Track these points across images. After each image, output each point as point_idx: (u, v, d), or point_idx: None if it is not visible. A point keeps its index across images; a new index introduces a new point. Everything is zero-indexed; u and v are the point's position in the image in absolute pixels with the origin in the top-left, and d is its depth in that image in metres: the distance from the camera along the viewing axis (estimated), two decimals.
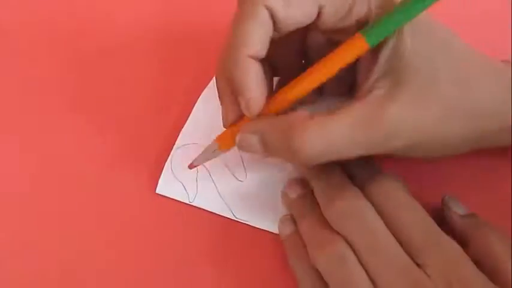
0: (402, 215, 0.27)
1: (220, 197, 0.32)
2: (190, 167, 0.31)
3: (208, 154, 0.30)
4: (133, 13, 0.39)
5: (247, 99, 0.26)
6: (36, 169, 0.34)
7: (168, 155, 0.33)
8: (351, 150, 0.26)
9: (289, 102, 0.27)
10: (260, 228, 0.31)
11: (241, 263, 0.31)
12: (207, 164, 0.32)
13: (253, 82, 0.26)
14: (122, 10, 0.39)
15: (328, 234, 0.27)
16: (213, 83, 0.33)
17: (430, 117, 0.25)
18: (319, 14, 0.26)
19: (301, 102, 0.27)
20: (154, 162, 0.33)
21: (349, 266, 0.26)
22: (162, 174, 0.33)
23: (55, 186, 0.34)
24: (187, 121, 0.34)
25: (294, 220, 0.30)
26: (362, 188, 0.28)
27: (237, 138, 0.28)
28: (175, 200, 0.32)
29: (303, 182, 0.31)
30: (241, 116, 0.28)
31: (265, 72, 0.28)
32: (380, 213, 0.27)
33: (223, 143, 0.30)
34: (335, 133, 0.25)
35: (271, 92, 0.28)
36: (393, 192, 0.28)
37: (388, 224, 0.26)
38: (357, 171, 0.30)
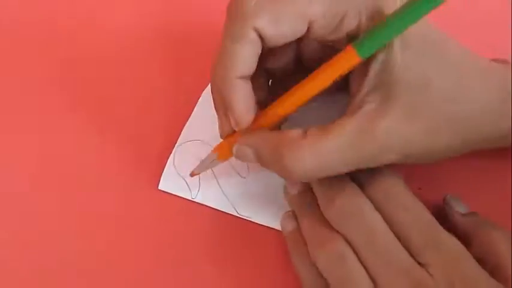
0: (402, 214, 0.26)
1: (223, 193, 0.32)
2: (192, 175, 0.32)
3: (207, 163, 0.31)
4: (134, 13, 0.39)
5: (236, 116, 0.27)
6: (37, 166, 0.34)
7: (171, 152, 0.33)
8: (343, 167, 0.26)
9: (281, 117, 0.28)
10: (263, 225, 0.31)
11: (244, 259, 0.31)
12: None
13: (241, 100, 0.27)
14: (123, 10, 0.39)
15: (327, 233, 0.27)
16: None
17: (419, 130, 0.25)
18: (309, 28, 0.26)
19: None
20: (157, 159, 0.33)
21: (348, 264, 0.26)
22: (164, 170, 0.33)
23: (57, 183, 0.34)
24: (190, 118, 0.34)
25: (296, 216, 0.30)
26: (361, 186, 0.28)
27: (234, 149, 0.29)
28: (178, 196, 0.32)
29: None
30: None
31: (260, 80, 0.29)
32: (380, 211, 0.27)
33: (221, 153, 0.30)
34: (327, 153, 0.25)
35: (267, 100, 0.29)
36: (393, 189, 0.27)
37: (388, 223, 0.26)
38: None
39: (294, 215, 0.30)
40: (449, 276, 0.24)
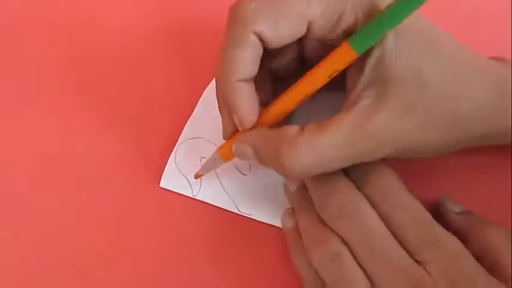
0: (399, 212, 0.26)
1: (224, 191, 0.32)
2: (196, 177, 0.32)
3: (210, 164, 0.31)
4: (135, 12, 0.39)
5: (239, 117, 0.27)
6: (38, 164, 0.34)
7: (172, 150, 0.33)
8: (339, 163, 0.26)
9: (281, 115, 0.28)
10: (264, 222, 0.31)
11: (245, 257, 0.31)
12: None
13: (244, 102, 0.27)
14: (124, 9, 0.39)
15: (323, 232, 0.27)
16: None
17: (415, 125, 0.26)
18: (308, 28, 0.26)
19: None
20: (158, 157, 0.33)
21: (344, 264, 0.26)
22: (165, 168, 0.33)
23: (57, 181, 0.33)
24: (191, 115, 0.34)
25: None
26: (358, 184, 0.28)
27: (233, 148, 0.29)
28: (179, 193, 0.32)
29: None
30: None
31: (264, 81, 0.30)
32: (376, 209, 0.27)
33: (223, 154, 0.30)
34: (324, 149, 0.25)
35: (272, 100, 0.29)
36: (389, 187, 0.27)
37: (385, 221, 0.26)
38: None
39: (293, 212, 0.30)
40: (448, 274, 0.24)
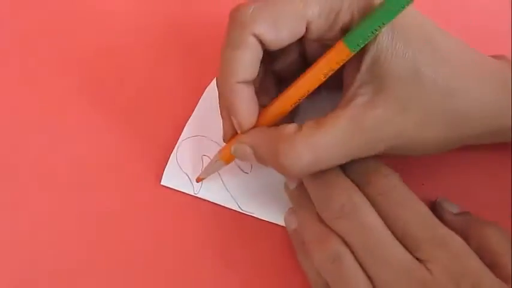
0: (400, 210, 0.26)
1: (226, 188, 0.32)
2: (198, 180, 0.32)
3: (211, 167, 0.31)
4: (140, 8, 0.39)
5: (238, 119, 0.28)
6: (38, 162, 0.34)
7: (173, 147, 0.33)
8: (338, 159, 0.26)
9: (279, 115, 0.28)
10: (265, 220, 0.31)
11: (247, 255, 0.31)
12: (212, 155, 0.32)
13: (243, 104, 0.28)
14: (130, 5, 0.39)
15: (322, 232, 0.27)
16: None
17: (410, 122, 0.26)
18: (307, 29, 0.26)
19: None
20: (160, 155, 0.33)
21: (344, 265, 0.25)
22: (167, 165, 0.33)
23: (58, 179, 0.33)
24: (193, 114, 0.34)
25: None
26: (357, 183, 0.28)
27: (232, 149, 0.29)
28: (180, 191, 0.32)
29: None
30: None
31: (268, 82, 0.30)
32: (376, 208, 0.26)
33: (224, 156, 0.30)
34: (321, 146, 0.26)
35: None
36: (390, 186, 0.27)
37: (385, 220, 0.26)
38: (349, 163, 0.29)
39: None
40: (452, 272, 0.24)
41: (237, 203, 0.32)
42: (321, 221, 0.27)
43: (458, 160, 0.32)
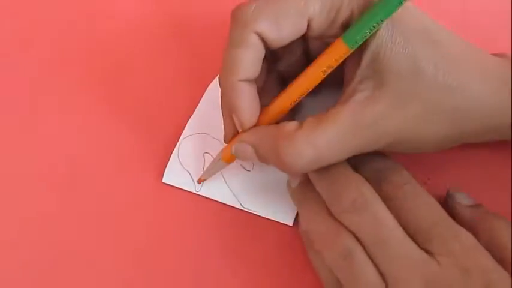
0: (414, 205, 0.26)
1: (227, 186, 0.32)
2: (199, 181, 0.32)
3: (213, 168, 0.31)
4: (146, 3, 0.39)
5: (239, 117, 0.28)
6: (38, 160, 0.34)
7: (175, 145, 0.33)
8: (339, 155, 0.26)
9: (280, 113, 0.28)
10: (267, 218, 0.31)
11: (248, 253, 0.31)
12: (214, 152, 0.32)
13: (245, 102, 0.28)
14: (128, 4, 0.39)
15: (332, 229, 0.27)
16: None
17: (410, 117, 0.26)
18: (308, 26, 0.26)
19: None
20: (161, 152, 0.33)
21: (356, 261, 0.25)
22: (168, 163, 0.33)
23: (59, 177, 0.33)
24: (195, 111, 0.34)
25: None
26: (371, 179, 0.28)
27: (233, 148, 0.29)
28: (182, 189, 0.32)
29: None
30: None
31: (272, 82, 0.30)
32: (387, 203, 0.26)
33: (225, 157, 0.30)
34: (322, 142, 0.26)
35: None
36: (400, 180, 0.27)
37: (395, 214, 0.26)
38: (360, 160, 0.29)
39: None
40: (463, 264, 0.24)
41: (238, 201, 0.32)
42: (329, 218, 0.27)
43: (458, 158, 0.32)
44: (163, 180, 0.32)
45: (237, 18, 0.27)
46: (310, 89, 0.27)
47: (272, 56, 0.30)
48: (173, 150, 0.33)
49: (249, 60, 0.27)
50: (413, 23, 0.26)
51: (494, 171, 0.32)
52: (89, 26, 0.38)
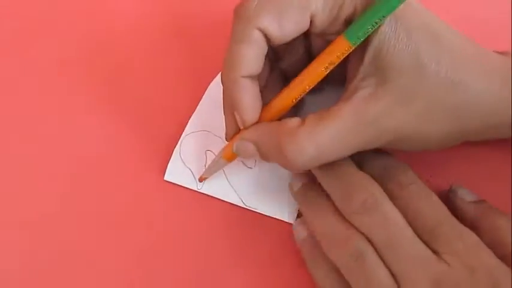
0: (420, 204, 0.26)
1: (229, 184, 0.32)
2: (200, 180, 0.32)
3: (215, 166, 0.31)
4: (141, 4, 0.39)
5: (241, 113, 0.28)
6: (39, 158, 0.34)
7: (177, 143, 0.33)
8: (341, 152, 0.26)
9: (281, 111, 0.28)
10: (269, 216, 0.31)
11: (250, 250, 0.31)
12: (215, 150, 0.32)
13: (247, 99, 0.27)
14: (128, 4, 0.39)
15: (342, 231, 0.27)
16: None
17: (413, 114, 0.26)
18: (311, 22, 0.26)
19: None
20: (163, 150, 0.33)
21: (367, 262, 0.25)
22: (170, 161, 0.32)
23: (59, 174, 0.33)
24: (197, 108, 0.34)
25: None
26: (377, 178, 0.28)
27: (234, 146, 0.29)
28: (184, 187, 0.32)
29: (306, 173, 0.31)
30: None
31: (275, 79, 0.30)
32: (397, 202, 0.27)
33: (226, 155, 0.30)
34: (324, 139, 0.26)
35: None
36: (406, 179, 0.28)
37: (405, 214, 0.26)
38: (366, 159, 0.29)
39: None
40: (469, 263, 0.24)
41: (240, 198, 0.32)
42: (338, 220, 0.27)
43: (457, 154, 0.32)
44: (165, 178, 0.32)
45: (239, 14, 0.27)
46: (313, 86, 0.27)
47: (274, 53, 0.30)
48: (175, 147, 0.33)
49: (252, 56, 0.27)
50: (416, 19, 0.26)
51: (495, 169, 0.32)
52: (89, 26, 0.38)
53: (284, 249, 0.31)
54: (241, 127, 0.29)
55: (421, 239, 0.26)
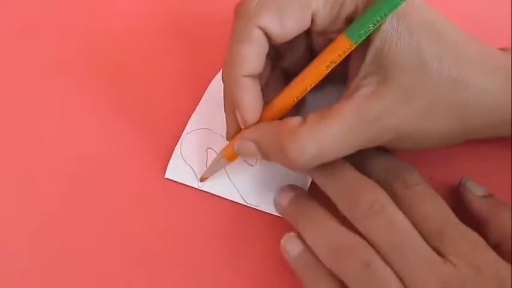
0: (425, 205, 0.26)
1: (230, 181, 0.32)
2: (201, 180, 0.32)
3: (216, 166, 0.31)
4: (140, 5, 0.39)
5: (242, 112, 0.28)
6: (39, 156, 0.34)
7: (178, 140, 0.33)
8: (342, 150, 0.26)
9: (282, 110, 0.28)
10: (270, 213, 0.31)
11: (251, 248, 0.31)
12: (216, 148, 0.32)
13: (248, 98, 0.27)
14: (128, 4, 0.39)
15: (347, 239, 0.26)
16: None
17: (414, 112, 0.26)
18: (312, 21, 0.26)
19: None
20: (164, 148, 0.33)
21: (378, 271, 0.25)
22: (171, 158, 0.32)
23: (60, 172, 0.33)
24: (198, 106, 0.34)
25: (300, 236, 0.28)
26: (382, 179, 0.28)
27: (235, 146, 0.29)
28: (184, 184, 0.32)
29: (292, 186, 0.31)
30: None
31: (276, 78, 0.30)
32: (400, 202, 0.26)
33: (227, 154, 0.30)
34: (326, 137, 0.25)
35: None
36: (415, 182, 0.27)
37: (409, 215, 0.26)
38: (370, 159, 0.29)
39: (297, 235, 0.28)
40: (475, 263, 0.24)
41: (241, 196, 0.32)
42: (339, 226, 0.27)
43: (457, 153, 0.32)
44: (166, 176, 0.32)
45: (240, 13, 0.27)
46: (314, 85, 0.27)
47: (275, 52, 0.30)
48: (176, 145, 0.33)
49: (253, 55, 0.27)
50: (418, 17, 0.26)
51: (495, 167, 0.32)
52: (89, 26, 0.38)
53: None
54: (242, 127, 0.29)
55: (425, 240, 0.25)
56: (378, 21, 0.25)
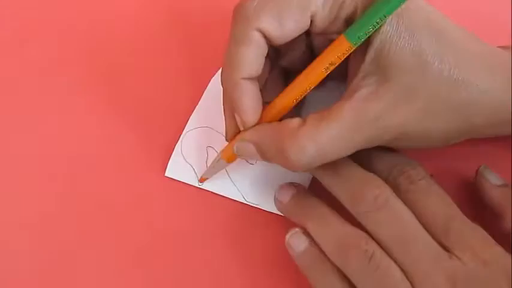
0: (430, 200, 0.26)
1: (230, 180, 0.32)
2: (201, 181, 0.32)
3: (215, 167, 0.31)
4: (140, 5, 0.39)
5: (241, 115, 0.28)
6: (40, 154, 0.34)
7: (178, 139, 0.33)
8: (343, 151, 0.26)
9: (282, 111, 0.28)
10: (270, 212, 0.31)
11: (251, 246, 0.31)
12: (217, 146, 0.32)
13: (247, 101, 0.27)
14: (128, 4, 0.39)
15: (350, 234, 0.26)
16: None
17: (415, 112, 0.26)
18: (311, 22, 0.26)
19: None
20: (164, 146, 0.33)
21: (382, 265, 0.25)
22: (171, 157, 0.32)
23: (61, 170, 0.33)
24: (198, 105, 0.34)
25: (305, 232, 0.28)
26: (386, 174, 0.28)
27: (235, 147, 0.29)
28: (185, 183, 0.32)
29: (292, 184, 0.31)
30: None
31: (276, 79, 0.30)
32: (405, 197, 0.26)
33: (226, 155, 0.30)
34: (325, 138, 0.25)
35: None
36: (420, 176, 0.27)
37: (414, 210, 0.26)
38: (375, 156, 0.29)
39: (302, 231, 0.28)
40: (481, 256, 0.24)
41: (241, 195, 0.32)
42: (342, 222, 0.27)
43: (457, 152, 0.32)
44: (166, 174, 0.32)
45: (239, 15, 0.27)
46: (313, 87, 0.27)
47: (275, 52, 0.30)
48: (176, 144, 0.33)
49: (252, 58, 0.27)
50: (419, 16, 0.26)
51: (495, 166, 0.32)
52: (89, 26, 0.38)
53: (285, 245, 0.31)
54: (242, 129, 0.28)
55: (430, 235, 0.25)
56: (377, 23, 0.24)
